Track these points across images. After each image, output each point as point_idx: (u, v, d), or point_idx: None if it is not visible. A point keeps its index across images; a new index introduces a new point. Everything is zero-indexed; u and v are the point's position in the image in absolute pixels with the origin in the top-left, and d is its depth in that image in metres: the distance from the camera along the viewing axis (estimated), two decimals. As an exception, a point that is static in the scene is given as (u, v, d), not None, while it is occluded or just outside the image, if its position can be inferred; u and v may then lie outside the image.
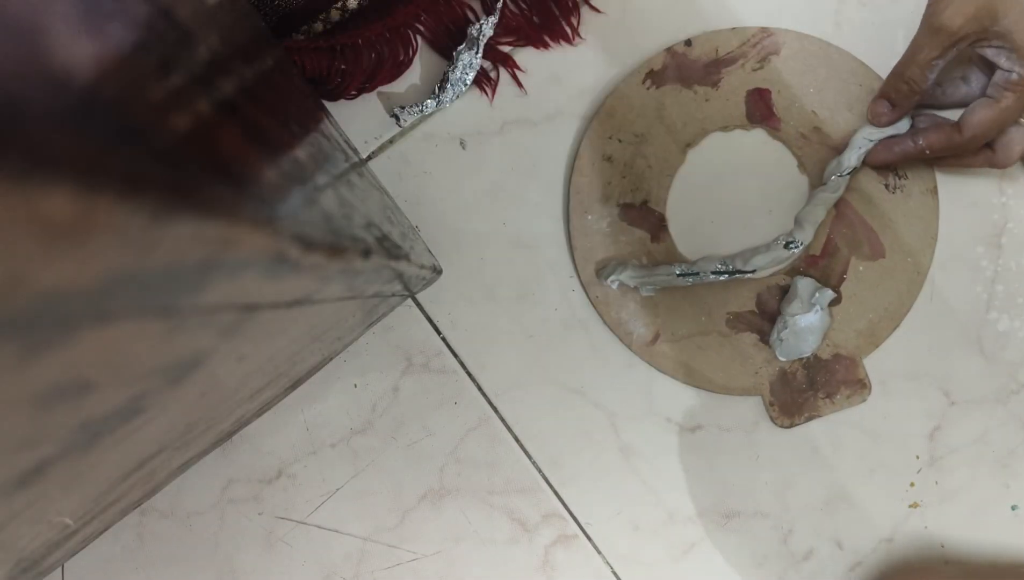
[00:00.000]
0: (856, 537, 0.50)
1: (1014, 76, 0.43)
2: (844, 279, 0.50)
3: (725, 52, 0.51)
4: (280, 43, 0.50)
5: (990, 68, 0.45)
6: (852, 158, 0.48)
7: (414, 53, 0.51)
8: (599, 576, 0.51)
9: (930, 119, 0.48)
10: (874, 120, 0.48)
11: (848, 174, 0.49)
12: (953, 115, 0.47)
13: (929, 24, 0.43)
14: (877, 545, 0.50)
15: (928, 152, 0.47)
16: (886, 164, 0.49)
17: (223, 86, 0.23)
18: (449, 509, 0.51)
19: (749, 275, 0.49)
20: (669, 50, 0.51)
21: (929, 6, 0.43)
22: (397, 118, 0.51)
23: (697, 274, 0.49)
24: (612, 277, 0.49)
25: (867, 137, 0.49)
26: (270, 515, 0.51)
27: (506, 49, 0.52)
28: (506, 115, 0.52)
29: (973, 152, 0.47)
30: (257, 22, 0.42)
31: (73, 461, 0.19)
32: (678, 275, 0.49)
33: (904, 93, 0.46)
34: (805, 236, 0.48)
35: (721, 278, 0.49)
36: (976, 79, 0.47)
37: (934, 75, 0.45)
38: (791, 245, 0.48)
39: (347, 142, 0.49)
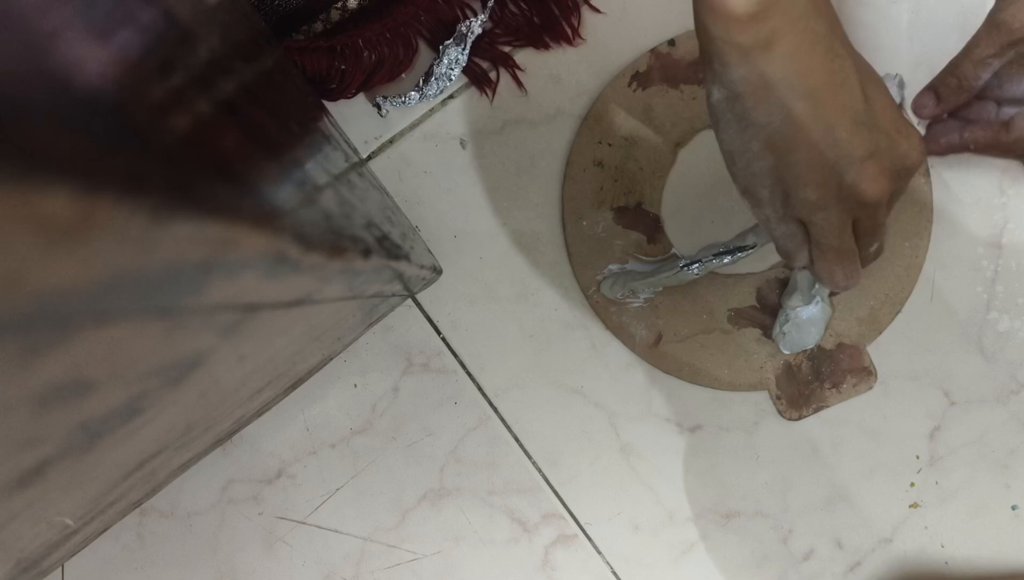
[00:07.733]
0: (856, 537, 0.50)
1: None
2: None
3: None
4: (280, 43, 0.50)
5: None
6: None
7: (414, 53, 0.51)
8: (599, 576, 0.51)
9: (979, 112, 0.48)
10: (917, 111, 0.47)
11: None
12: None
13: (991, 20, 0.43)
14: (877, 545, 0.50)
15: (972, 147, 0.46)
16: (932, 155, 0.48)
17: (223, 86, 0.23)
18: (449, 509, 0.51)
19: (749, 251, 0.48)
20: (653, 51, 0.51)
21: (996, 2, 0.43)
22: (379, 107, 0.51)
23: (699, 261, 0.48)
24: (619, 294, 0.49)
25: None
26: (270, 515, 0.51)
27: (506, 49, 0.52)
28: (506, 115, 0.52)
29: (1018, 154, 0.46)
30: (257, 22, 0.42)
31: (73, 461, 0.19)
32: (682, 268, 0.48)
33: (952, 88, 0.45)
34: None
35: (725, 260, 0.48)
36: None
37: (987, 74, 0.44)
38: None
39: (347, 142, 0.49)
